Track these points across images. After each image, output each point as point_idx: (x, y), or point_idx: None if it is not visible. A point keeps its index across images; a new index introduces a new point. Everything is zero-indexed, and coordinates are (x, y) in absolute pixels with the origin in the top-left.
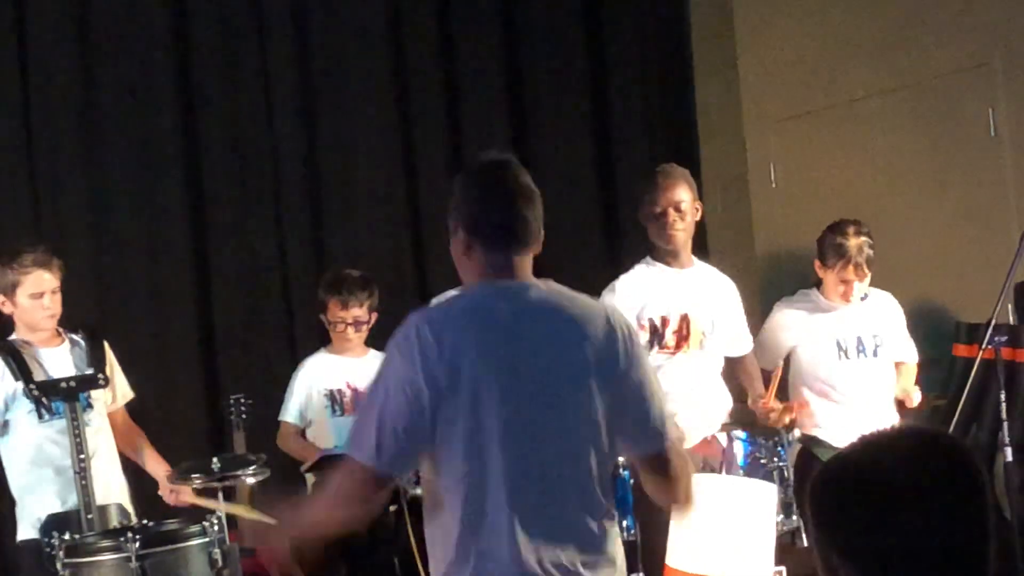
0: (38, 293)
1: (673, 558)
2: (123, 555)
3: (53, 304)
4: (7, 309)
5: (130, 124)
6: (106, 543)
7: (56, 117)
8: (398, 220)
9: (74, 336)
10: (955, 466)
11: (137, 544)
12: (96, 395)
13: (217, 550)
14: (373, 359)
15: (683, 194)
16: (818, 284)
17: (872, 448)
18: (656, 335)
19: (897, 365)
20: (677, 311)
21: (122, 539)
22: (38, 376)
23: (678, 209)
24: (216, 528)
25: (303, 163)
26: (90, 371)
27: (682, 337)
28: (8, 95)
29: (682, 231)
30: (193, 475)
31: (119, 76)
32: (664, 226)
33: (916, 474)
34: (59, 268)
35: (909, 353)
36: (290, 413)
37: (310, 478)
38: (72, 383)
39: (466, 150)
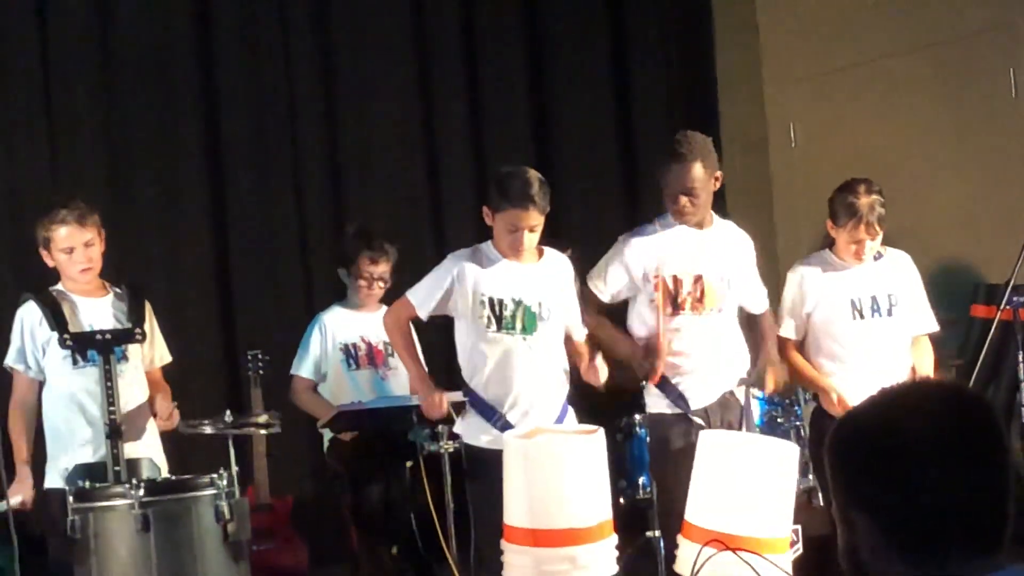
0: (68, 248)
1: (692, 513)
2: (127, 502)
3: (85, 258)
4: (50, 262)
5: (148, 82)
6: (113, 490)
7: (74, 74)
8: (416, 180)
9: (118, 290)
10: (976, 420)
11: (142, 492)
12: (133, 350)
13: (224, 503)
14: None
15: (696, 176)
16: (831, 245)
17: (893, 402)
18: (670, 296)
19: (914, 339)
20: (691, 273)
21: (128, 487)
22: (74, 327)
23: (689, 193)
24: (225, 481)
25: (322, 121)
26: (128, 325)
27: (696, 299)
28: (27, 51)
29: (692, 214)
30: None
31: (137, 31)
32: (676, 212)
33: (937, 428)
34: (94, 223)
35: (926, 321)
36: (304, 368)
37: (326, 434)
38: (108, 335)
39: (485, 110)
